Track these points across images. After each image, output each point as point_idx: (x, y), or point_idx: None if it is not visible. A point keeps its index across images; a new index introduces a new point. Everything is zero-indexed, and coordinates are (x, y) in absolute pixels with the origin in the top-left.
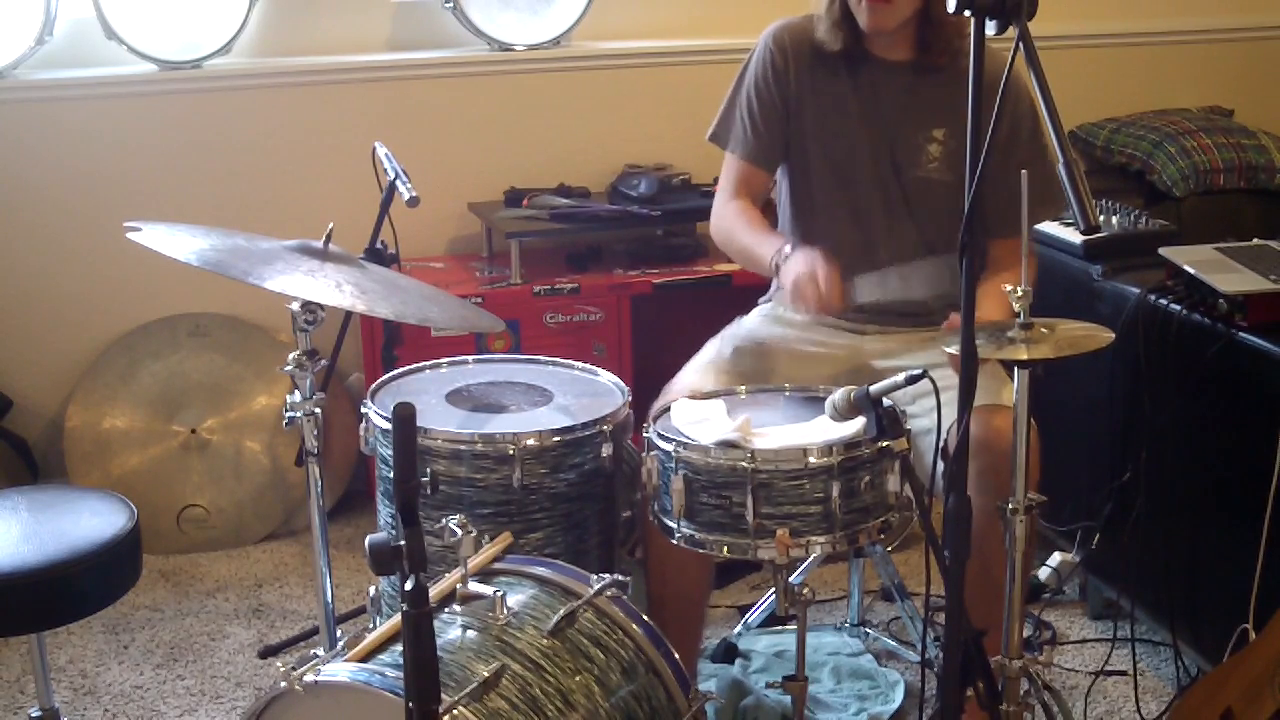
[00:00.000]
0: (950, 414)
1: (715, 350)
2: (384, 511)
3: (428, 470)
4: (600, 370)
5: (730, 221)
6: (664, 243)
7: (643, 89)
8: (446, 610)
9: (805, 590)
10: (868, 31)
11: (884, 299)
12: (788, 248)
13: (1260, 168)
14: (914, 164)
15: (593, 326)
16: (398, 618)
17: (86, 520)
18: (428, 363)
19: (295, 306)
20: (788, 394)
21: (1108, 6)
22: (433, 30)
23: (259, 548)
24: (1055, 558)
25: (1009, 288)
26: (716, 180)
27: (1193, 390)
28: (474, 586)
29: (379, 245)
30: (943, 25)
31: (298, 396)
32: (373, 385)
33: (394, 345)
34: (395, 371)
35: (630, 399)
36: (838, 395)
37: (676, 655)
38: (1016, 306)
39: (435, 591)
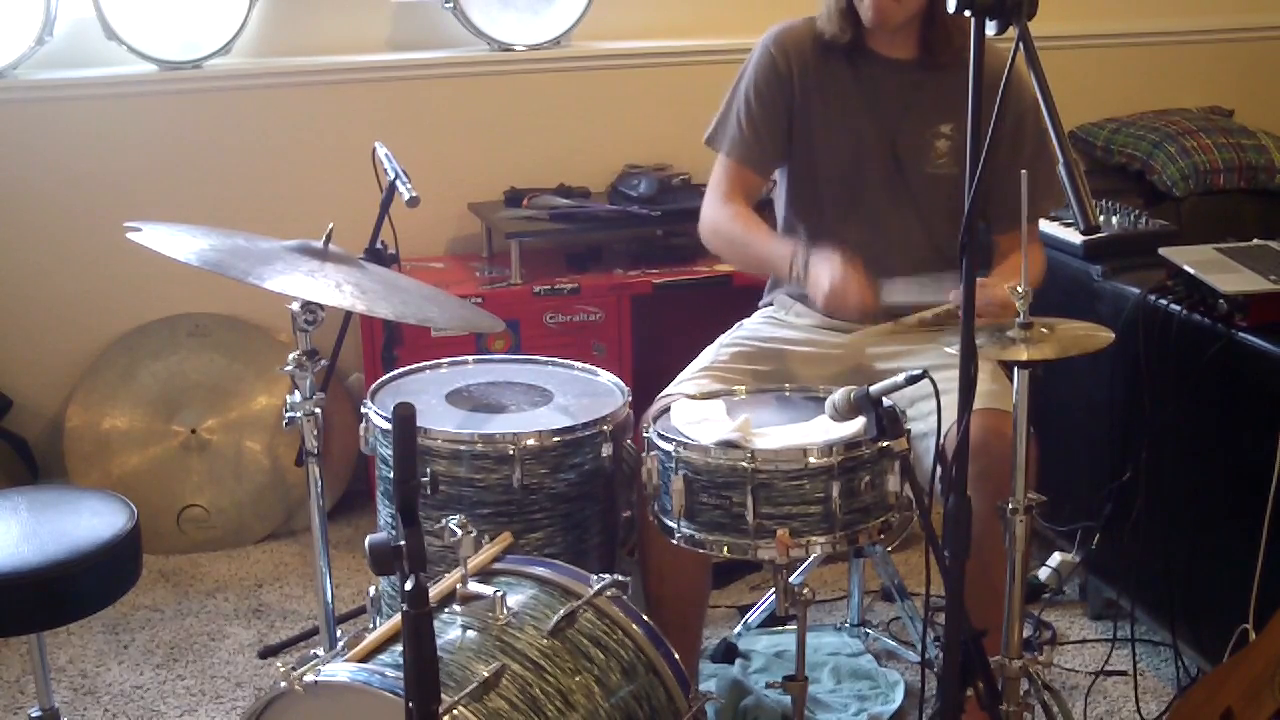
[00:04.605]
0: (949, 415)
1: (712, 355)
2: (384, 511)
3: (428, 470)
4: (600, 370)
5: (728, 226)
6: (664, 243)
7: (643, 89)
8: (446, 610)
9: (805, 590)
10: (870, 27)
11: (911, 300)
12: (802, 256)
13: (1260, 168)
14: (922, 160)
15: (593, 326)
16: (398, 618)
17: (86, 520)
18: (428, 363)
19: (295, 306)
20: (788, 394)
21: (1108, 6)
22: (433, 30)
23: (259, 548)
24: (1055, 558)
25: (1009, 286)
26: None
27: (1193, 390)
28: (474, 586)
29: (379, 245)
30: (946, 25)
31: (298, 396)
32: (373, 385)
33: (394, 345)
34: (395, 371)
35: (630, 399)
36: (838, 395)
37: (676, 655)
38: (1017, 305)
39: (435, 591)
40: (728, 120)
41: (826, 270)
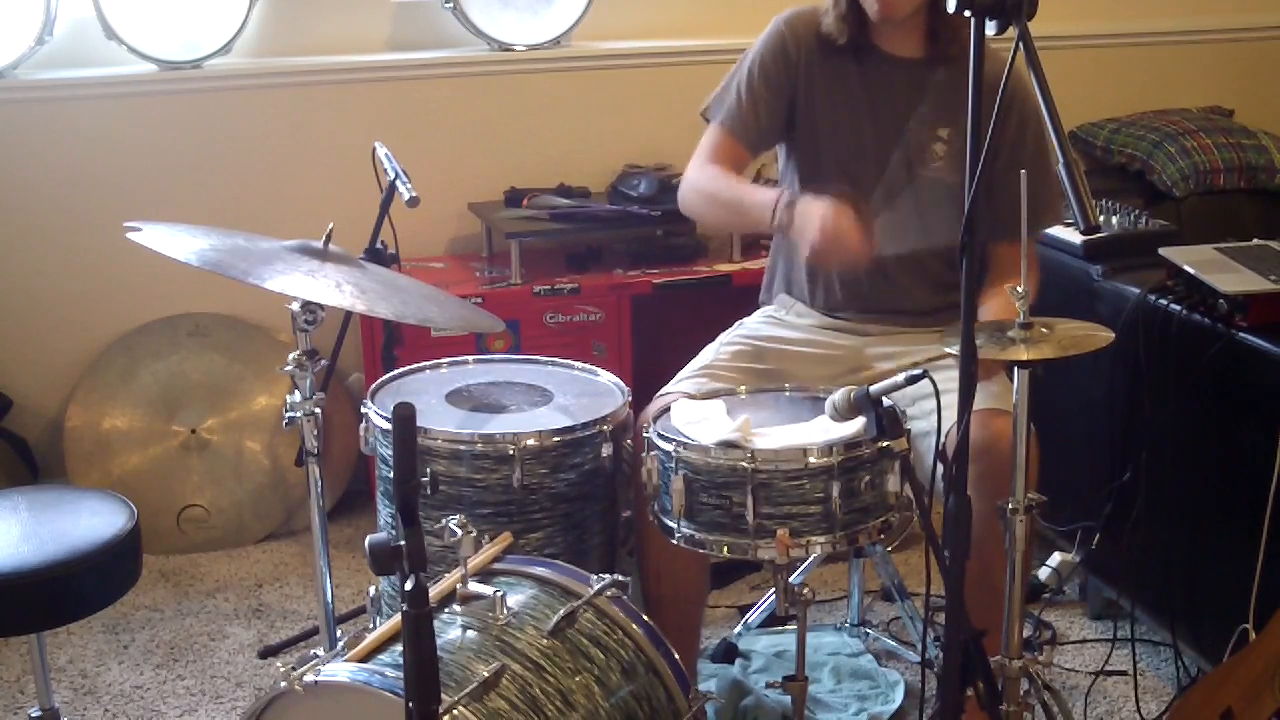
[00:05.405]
0: (950, 416)
1: (712, 354)
2: (384, 511)
3: (428, 470)
4: (600, 370)
5: (709, 183)
6: (664, 243)
7: (643, 89)
8: (446, 610)
9: (805, 590)
10: (877, 21)
11: (906, 249)
12: (786, 199)
13: (1260, 168)
14: (920, 162)
15: (593, 326)
16: (398, 618)
17: (86, 520)
18: (428, 363)
19: (295, 306)
20: (788, 394)
21: (1108, 6)
22: (433, 30)
23: (259, 548)
24: (1055, 558)
25: (1009, 286)
26: None
27: (1192, 390)
28: (474, 586)
29: (379, 245)
30: (952, 17)
31: (298, 396)
32: (373, 385)
33: (394, 345)
34: (395, 371)
35: (630, 399)
36: (838, 395)
37: (676, 655)
38: (1017, 306)
39: (435, 591)
40: (726, 92)
41: (818, 213)
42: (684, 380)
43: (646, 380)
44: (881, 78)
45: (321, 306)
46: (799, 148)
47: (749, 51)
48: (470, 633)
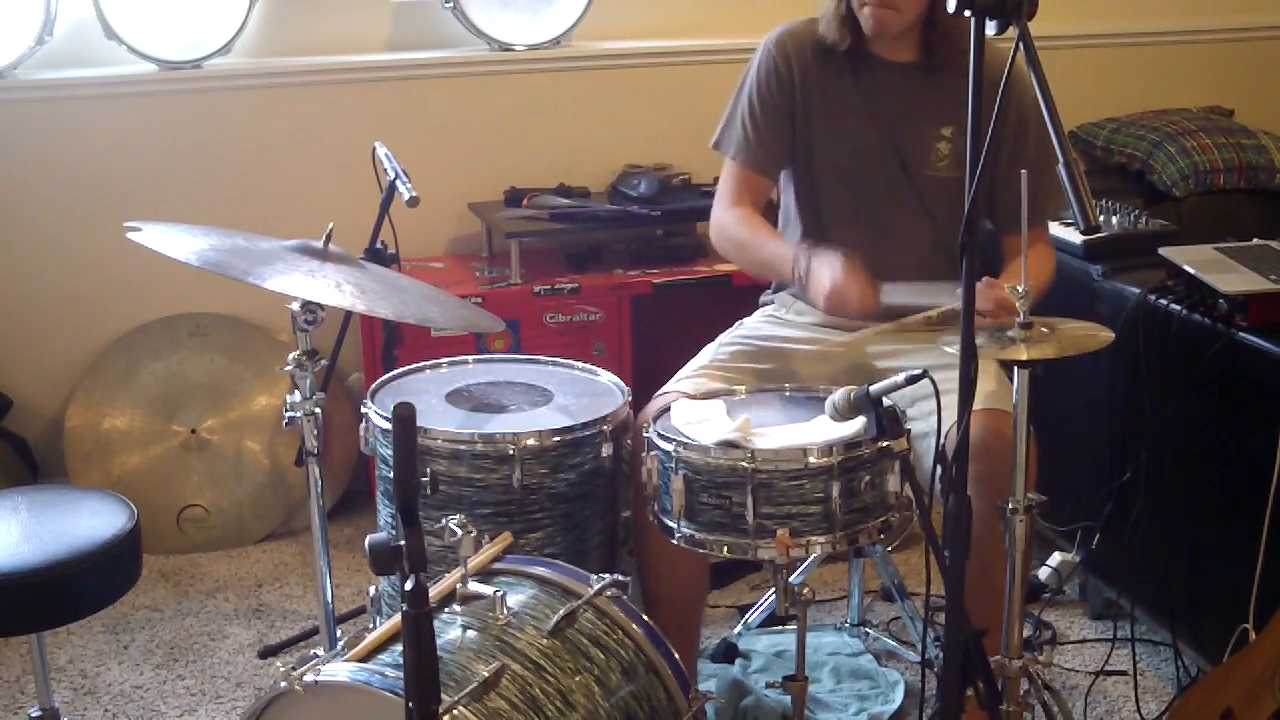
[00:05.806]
0: (949, 416)
1: (712, 353)
2: (384, 511)
3: (428, 470)
4: (600, 370)
5: (736, 230)
6: (664, 243)
7: (643, 89)
8: (446, 610)
9: (805, 590)
10: (869, 35)
11: (911, 303)
12: (804, 258)
13: (1260, 168)
14: (923, 163)
15: (593, 326)
16: (398, 618)
17: (86, 520)
18: (428, 363)
19: (295, 306)
20: (788, 394)
21: (1108, 6)
22: (433, 30)
23: (259, 548)
24: (1055, 558)
25: (1008, 286)
26: (716, 179)
27: (1193, 390)
28: (474, 586)
29: (379, 245)
30: (947, 31)
31: (298, 396)
32: (373, 385)
33: (394, 345)
34: (395, 371)
35: (630, 399)
36: (838, 395)
37: (676, 655)
38: (1018, 305)
39: (435, 591)
40: (733, 124)
41: (828, 271)
42: (683, 380)
43: (646, 380)
44: (876, 83)
45: (321, 306)
46: (799, 155)
47: (745, 80)
48: (470, 633)
